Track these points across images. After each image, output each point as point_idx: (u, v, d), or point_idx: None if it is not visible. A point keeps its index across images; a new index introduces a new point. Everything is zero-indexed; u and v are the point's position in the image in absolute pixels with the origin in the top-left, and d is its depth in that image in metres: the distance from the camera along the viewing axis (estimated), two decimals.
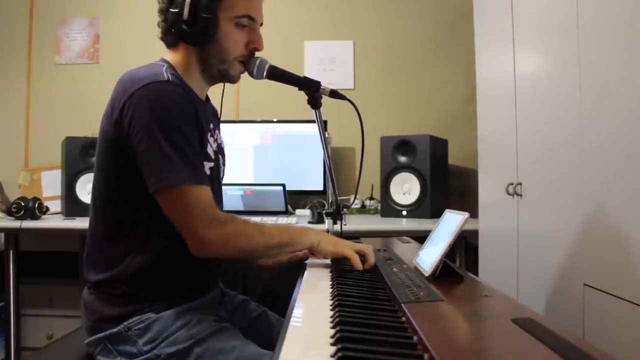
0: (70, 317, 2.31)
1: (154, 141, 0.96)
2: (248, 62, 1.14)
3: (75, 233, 2.35)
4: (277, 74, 1.17)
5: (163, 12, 1.10)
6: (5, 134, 2.77)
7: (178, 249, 1.01)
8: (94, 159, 1.10)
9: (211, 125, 1.16)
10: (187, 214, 0.98)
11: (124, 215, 1.04)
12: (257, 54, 1.16)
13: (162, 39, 1.14)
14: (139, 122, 0.97)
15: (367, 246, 1.11)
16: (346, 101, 1.21)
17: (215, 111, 1.30)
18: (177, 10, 1.06)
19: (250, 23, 1.11)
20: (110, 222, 1.05)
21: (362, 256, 1.07)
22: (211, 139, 1.13)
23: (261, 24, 1.16)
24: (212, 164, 1.11)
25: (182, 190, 0.97)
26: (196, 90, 1.14)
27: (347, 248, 1.09)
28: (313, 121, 1.25)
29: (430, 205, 2.22)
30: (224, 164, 1.26)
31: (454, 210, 1.05)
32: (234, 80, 1.16)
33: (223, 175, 1.26)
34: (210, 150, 1.11)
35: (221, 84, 1.21)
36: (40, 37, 2.79)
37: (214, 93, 1.27)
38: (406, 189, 2.31)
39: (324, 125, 1.28)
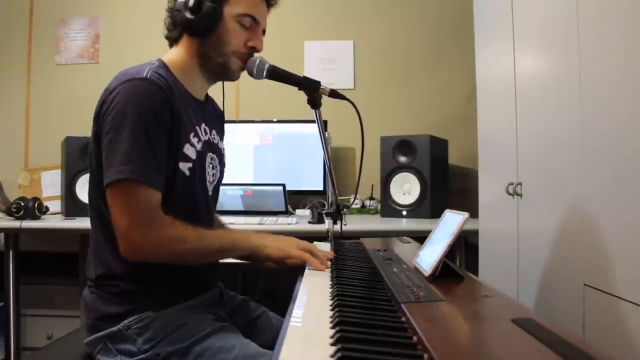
0: (70, 317, 2.31)
1: (116, 137, 0.97)
2: (247, 62, 1.14)
3: (75, 233, 2.35)
4: (277, 74, 1.17)
5: (171, 9, 1.13)
6: (5, 134, 2.77)
7: None
8: None
9: (202, 125, 1.14)
10: (127, 212, 0.96)
11: None
12: (256, 54, 1.16)
13: (166, 35, 1.15)
14: (109, 117, 0.98)
15: (309, 244, 1.14)
16: (346, 101, 1.21)
17: (218, 112, 1.30)
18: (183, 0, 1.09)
19: (252, 24, 1.13)
20: (103, 219, 1.05)
21: (310, 253, 1.10)
22: (194, 139, 1.10)
23: (264, 31, 1.17)
24: (190, 165, 1.08)
25: (130, 187, 0.96)
26: (193, 90, 1.15)
27: (295, 249, 1.10)
28: (313, 121, 1.25)
29: (430, 205, 2.22)
30: (221, 164, 1.25)
31: (454, 210, 1.05)
32: (233, 76, 1.16)
33: (218, 176, 1.24)
34: (189, 151, 1.08)
35: (221, 83, 1.21)
36: (40, 37, 2.79)
37: (215, 94, 1.28)
38: (406, 189, 2.31)
39: (324, 125, 1.27)
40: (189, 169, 1.08)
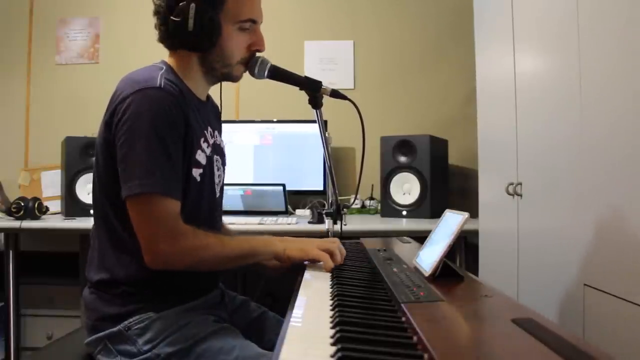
0: (70, 317, 2.31)
1: (133, 148, 0.96)
2: (250, 61, 1.14)
3: (75, 233, 2.35)
4: (279, 74, 1.17)
5: (160, 14, 1.07)
6: (5, 134, 2.77)
7: None
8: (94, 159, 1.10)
9: (208, 129, 1.14)
10: (149, 223, 0.97)
11: (120, 216, 1.02)
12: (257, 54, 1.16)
13: (161, 42, 1.12)
14: (124, 127, 0.97)
15: (332, 242, 1.13)
16: (346, 101, 1.21)
17: (216, 109, 1.29)
18: (179, 19, 1.03)
19: (252, 26, 1.12)
20: (108, 222, 1.05)
21: (331, 253, 1.09)
22: (204, 144, 1.10)
23: (261, 22, 1.16)
24: (201, 170, 1.09)
25: (150, 199, 0.96)
26: (196, 91, 1.14)
27: (315, 250, 1.09)
28: (313, 121, 1.25)
29: (430, 205, 2.22)
30: (223, 165, 1.25)
31: (454, 210, 1.05)
32: (236, 80, 1.16)
33: (223, 177, 1.24)
34: (201, 157, 1.09)
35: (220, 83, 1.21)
36: (40, 37, 2.79)
37: (213, 93, 1.28)
38: (406, 189, 2.31)
39: (324, 125, 1.27)
40: (200, 174, 1.09)
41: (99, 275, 1.05)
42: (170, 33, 1.07)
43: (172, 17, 1.04)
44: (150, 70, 1.05)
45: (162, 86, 1.00)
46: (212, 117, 1.23)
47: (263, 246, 1.10)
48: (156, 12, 1.09)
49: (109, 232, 1.05)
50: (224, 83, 1.21)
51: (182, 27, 1.04)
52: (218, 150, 1.20)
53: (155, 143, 0.97)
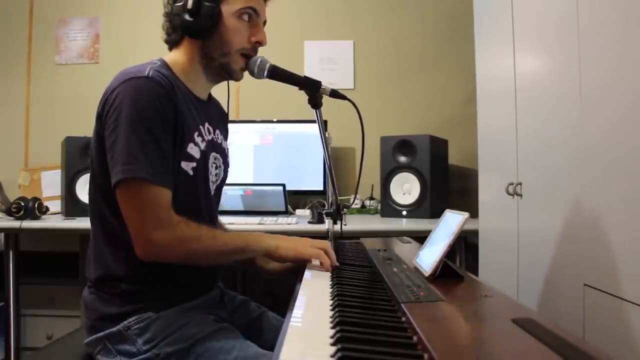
0: (70, 317, 2.31)
1: (121, 136, 0.96)
2: (249, 60, 1.14)
3: (75, 233, 2.35)
4: (278, 74, 1.17)
5: (169, 14, 1.12)
6: (5, 134, 2.77)
7: None
8: None
9: (206, 125, 1.14)
10: (139, 211, 0.96)
11: (115, 213, 1.01)
12: (258, 52, 1.16)
13: (166, 40, 1.15)
14: (112, 117, 0.98)
15: (324, 242, 1.13)
16: (346, 101, 1.21)
17: (221, 112, 1.30)
18: (181, 2, 1.07)
19: (253, 16, 1.12)
20: (104, 219, 1.05)
21: (326, 252, 1.09)
22: (198, 139, 1.10)
23: (264, 23, 1.16)
24: (194, 164, 1.08)
25: (139, 186, 0.96)
26: (196, 89, 1.15)
27: (309, 248, 1.09)
28: (313, 121, 1.25)
29: (430, 205, 2.22)
30: (225, 165, 1.24)
31: (454, 210, 1.05)
32: (235, 76, 1.16)
33: (222, 176, 1.24)
34: (193, 150, 1.08)
35: (225, 84, 1.21)
36: (40, 37, 2.79)
37: (220, 94, 1.27)
38: (406, 189, 2.31)
39: (324, 125, 1.27)
40: (193, 168, 1.08)
41: (97, 273, 1.04)
42: (172, 20, 1.10)
43: (175, 4, 1.09)
44: (143, 64, 1.06)
45: (149, 76, 1.00)
46: (215, 117, 1.23)
47: (255, 242, 1.09)
48: (165, 14, 1.13)
49: (104, 230, 1.05)
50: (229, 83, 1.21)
51: (183, 9, 1.07)
52: (217, 148, 1.19)
53: (140, 129, 0.96)
